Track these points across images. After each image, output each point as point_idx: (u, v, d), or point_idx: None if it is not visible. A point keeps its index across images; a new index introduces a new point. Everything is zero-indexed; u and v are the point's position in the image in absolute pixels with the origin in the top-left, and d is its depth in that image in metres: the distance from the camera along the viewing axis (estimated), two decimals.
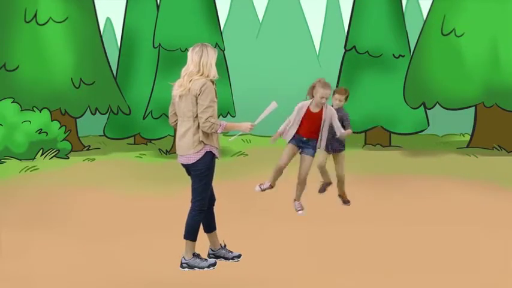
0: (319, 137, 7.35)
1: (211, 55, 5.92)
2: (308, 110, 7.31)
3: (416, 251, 6.45)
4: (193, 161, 5.87)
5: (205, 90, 5.79)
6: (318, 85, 7.17)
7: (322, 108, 7.25)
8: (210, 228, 6.23)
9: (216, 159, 5.99)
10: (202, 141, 5.83)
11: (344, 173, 8.02)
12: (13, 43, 12.97)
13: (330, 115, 7.30)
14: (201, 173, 5.88)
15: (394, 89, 14.17)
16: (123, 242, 6.94)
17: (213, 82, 5.94)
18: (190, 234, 5.98)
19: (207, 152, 5.87)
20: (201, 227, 6.11)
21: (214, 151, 5.90)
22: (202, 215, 5.98)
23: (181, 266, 6.01)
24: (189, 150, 5.86)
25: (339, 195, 8.21)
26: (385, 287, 5.58)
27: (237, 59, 15.71)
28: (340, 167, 7.98)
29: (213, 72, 5.89)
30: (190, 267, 5.98)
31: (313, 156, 7.39)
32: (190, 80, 5.86)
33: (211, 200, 6.16)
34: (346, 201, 8.19)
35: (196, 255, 6.03)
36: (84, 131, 15.02)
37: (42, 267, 6.11)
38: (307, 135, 7.34)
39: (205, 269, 5.98)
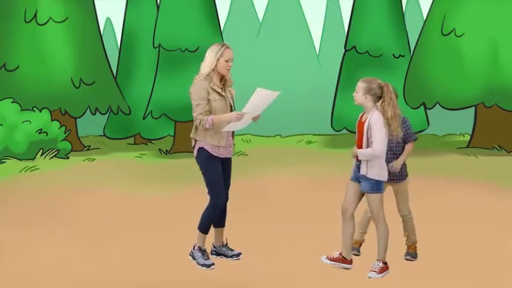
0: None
1: (210, 53, 6.03)
2: (360, 118, 5.86)
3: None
4: (194, 156, 6.11)
5: (192, 90, 5.98)
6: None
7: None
8: (218, 223, 6.33)
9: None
10: (192, 138, 6.05)
11: (409, 209, 6.35)
12: (13, 43, 12.97)
13: (369, 124, 5.66)
14: (200, 168, 6.07)
15: None
16: (123, 242, 6.94)
17: (223, 79, 6.06)
18: (201, 226, 6.13)
19: (200, 147, 6.01)
20: None
21: (208, 148, 5.96)
22: (214, 210, 6.07)
23: (189, 254, 6.21)
24: (191, 145, 6.11)
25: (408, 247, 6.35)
26: (385, 287, 5.58)
27: (237, 59, 15.65)
28: (402, 200, 6.30)
29: (202, 69, 6.01)
30: (193, 258, 6.17)
31: (373, 191, 5.71)
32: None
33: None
34: (412, 255, 6.33)
35: (202, 250, 6.12)
36: (84, 131, 15.01)
37: (42, 267, 6.11)
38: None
39: (199, 266, 6.04)
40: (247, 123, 6.01)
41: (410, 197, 6.37)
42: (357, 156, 5.76)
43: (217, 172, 6.00)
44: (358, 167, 5.81)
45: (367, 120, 5.69)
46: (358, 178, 5.83)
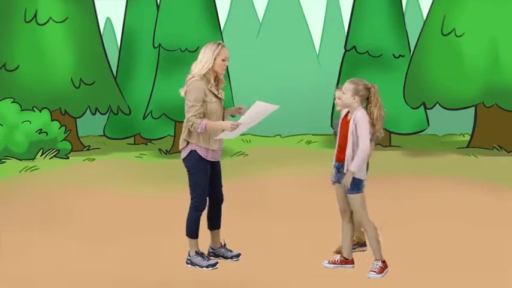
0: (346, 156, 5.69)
1: (206, 52, 5.92)
2: (344, 117, 5.87)
3: (416, 251, 6.45)
4: (182, 158, 5.98)
5: (188, 90, 5.87)
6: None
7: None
8: (213, 225, 6.26)
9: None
10: (185, 140, 5.92)
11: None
12: (13, 43, 12.97)
13: (355, 121, 5.70)
14: (188, 170, 5.96)
15: (394, 89, 14.16)
16: (123, 242, 6.94)
17: (216, 80, 5.97)
18: (189, 232, 6.05)
19: (191, 150, 5.92)
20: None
21: (200, 151, 5.90)
22: (198, 214, 6.02)
23: (186, 262, 6.08)
24: (180, 146, 5.98)
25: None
26: (385, 287, 5.58)
27: (237, 59, 15.67)
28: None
29: (196, 70, 5.90)
30: (193, 264, 6.04)
31: (354, 191, 5.72)
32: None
33: (218, 198, 6.20)
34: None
35: (199, 254, 6.07)
36: (84, 131, 15.02)
37: (42, 267, 6.11)
38: (340, 158, 5.84)
39: (204, 268, 6.00)
40: (240, 133, 5.93)
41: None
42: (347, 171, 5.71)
43: (205, 176, 5.94)
44: (337, 169, 5.82)
45: (352, 118, 5.71)
46: (338, 180, 5.84)
